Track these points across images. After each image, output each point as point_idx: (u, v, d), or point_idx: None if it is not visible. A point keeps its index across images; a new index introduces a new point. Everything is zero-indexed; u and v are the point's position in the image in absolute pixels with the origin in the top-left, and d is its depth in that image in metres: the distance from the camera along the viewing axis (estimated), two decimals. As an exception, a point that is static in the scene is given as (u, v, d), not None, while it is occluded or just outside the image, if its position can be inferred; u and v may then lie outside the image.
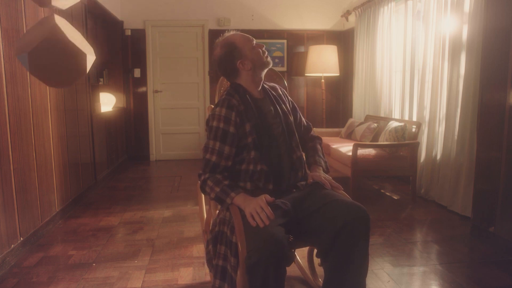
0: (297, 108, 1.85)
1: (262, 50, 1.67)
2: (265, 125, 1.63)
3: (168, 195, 3.82)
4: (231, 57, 1.64)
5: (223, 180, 1.54)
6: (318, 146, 1.82)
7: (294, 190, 1.66)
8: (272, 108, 1.70)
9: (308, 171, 1.76)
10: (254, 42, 1.68)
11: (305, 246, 1.65)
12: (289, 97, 1.84)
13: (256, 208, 1.40)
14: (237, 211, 1.47)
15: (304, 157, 1.77)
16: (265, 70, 1.70)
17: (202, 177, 1.58)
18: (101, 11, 4.51)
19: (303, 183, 1.70)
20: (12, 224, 2.32)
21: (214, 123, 1.57)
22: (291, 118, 1.74)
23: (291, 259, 1.45)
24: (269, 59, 1.69)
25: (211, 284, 1.56)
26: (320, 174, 1.67)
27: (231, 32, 1.71)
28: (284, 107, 1.74)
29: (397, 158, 3.49)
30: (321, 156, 1.79)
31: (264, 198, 1.45)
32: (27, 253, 2.42)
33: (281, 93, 1.80)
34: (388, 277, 2.09)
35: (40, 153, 2.71)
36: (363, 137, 4.09)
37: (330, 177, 1.69)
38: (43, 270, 2.21)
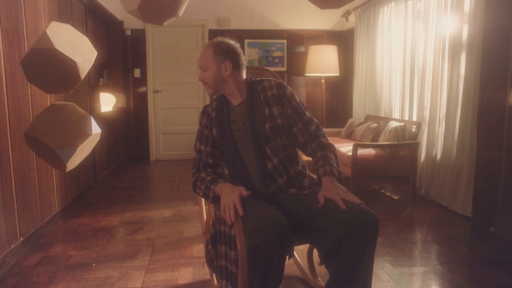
0: (303, 114, 1.68)
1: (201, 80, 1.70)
2: (225, 132, 1.64)
3: (168, 195, 3.82)
4: None
5: (206, 177, 1.65)
6: (330, 154, 1.60)
7: (285, 196, 1.62)
8: (243, 114, 1.65)
9: (315, 177, 1.70)
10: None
11: (304, 243, 1.64)
12: (292, 100, 1.69)
13: (229, 203, 1.45)
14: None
15: (287, 164, 1.64)
16: (215, 90, 1.70)
17: (193, 178, 1.71)
18: (101, 11, 4.51)
19: (294, 190, 1.62)
20: (12, 224, 2.32)
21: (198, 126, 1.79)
22: (276, 122, 1.62)
23: (292, 246, 1.45)
24: (207, 86, 1.68)
25: (217, 286, 1.57)
26: (333, 189, 1.47)
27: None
28: (269, 110, 1.63)
29: (397, 158, 3.49)
30: (334, 164, 1.58)
31: (240, 192, 1.48)
32: (27, 253, 2.42)
33: (276, 93, 1.66)
34: (388, 277, 2.09)
35: (40, 153, 2.70)
36: (363, 137, 4.09)
37: (346, 189, 1.51)
38: (43, 270, 2.21)
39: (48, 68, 1.37)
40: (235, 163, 1.64)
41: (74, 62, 1.38)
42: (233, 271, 1.45)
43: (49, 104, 2.90)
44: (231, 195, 1.47)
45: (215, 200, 1.60)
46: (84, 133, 1.43)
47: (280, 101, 1.66)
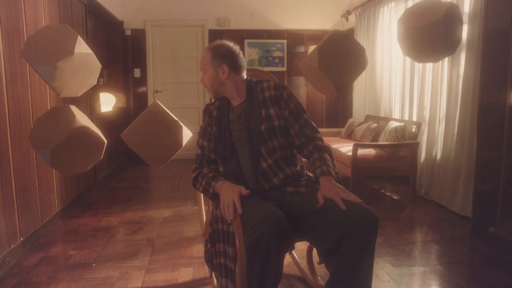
0: (300, 116, 1.68)
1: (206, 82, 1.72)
2: (223, 131, 1.68)
3: (168, 195, 3.82)
4: None
5: (208, 173, 1.68)
6: (326, 156, 1.62)
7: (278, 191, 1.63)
8: (240, 115, 1.67)
9: (313, 176, 1.69)
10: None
11: (301, 240, 1.63)
12: (290, 102, 1.68)
13: (229, 201, 1.47)
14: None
15: (282, 164, 1.65)
16: (215, 93, 1.73)
17: (194, 174, 1.73)
18: (101, 11, 4.51)
19: (290, 188, 1.63)
20: (12, 224, 2.32)
21: (200, 123, 1.83)
22: (273, 123, 1.63)
23: (292, 241, 1.46)
24: (210, 87, 1.72)
25: (217, 284, 1.58)
26: (332, 189, 1.47)
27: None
28: (266, 111, 1.65)
29: (397, 158, 3.49)
30: (330, 165, 1.58)
31: (239, 191, 1.49)
32: (27, 253, 2.42)
33: (273, 95, 1.67)
34: (388, 277, 2.09)
35: (40, 153, 2.70)
36: (363, 137, 4.09)
37: (345, 188, 1.51)
38: (43, 270, 2.21)
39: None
40: (230, 161, 1.67)
41: (100, 66, 1.44)
42: (232, 268, 1.46)
43: (49, 104, 2.90)
44: (231, 193, 1.49)
45: (214, 196, 1.62)
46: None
47: (277, 103, 1.67)
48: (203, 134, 1.78)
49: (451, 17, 1.34)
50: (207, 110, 1.79)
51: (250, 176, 1.64)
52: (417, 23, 1.37)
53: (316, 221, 1.48)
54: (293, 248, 1.53)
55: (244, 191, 1.50)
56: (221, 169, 1.73)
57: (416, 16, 1.38)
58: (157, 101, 1.61)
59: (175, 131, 1.47)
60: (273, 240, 1.32)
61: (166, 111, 1.49)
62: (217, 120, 1.73)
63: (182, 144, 1.49)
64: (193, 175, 1.73)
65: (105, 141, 1.55)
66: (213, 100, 1.83)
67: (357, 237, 1.37)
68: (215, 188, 1.60)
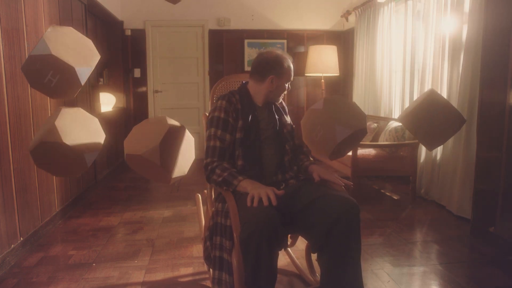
0: (294, 130, 1.97)
1: (285, 92, 1.88)
2: (253, 127, 1.74)
3: (168, 195, 3.82)
4: (272, 67, 1.78)
5: (231, 168, 1.65)
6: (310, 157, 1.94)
7: (284, 184, 1.74)
8: (269, 116, 1.83)
9: (306, 169, 1.86)
10: (289, 82, 1.87)
11: (295, 233, 1.78)
12: (288, 117, 1.99)
13: (262, 193, 1.46)
14: (231, 195, 1.57)
15: (292, 162, 1.87)
16: (272, 100, 1.86)
17: (210, 167, 1.66)
18: (101, 11, 4.51)
19: (292, 181, 1.77)
20: (12, 224, 2.32)
21: (216, 113, 1.72)
22: (289, 128, 1.90)
23: (284, 240, 1.54)
24: (280, 98, 1.88)
25: (211, 278, 1.61)
26: (327, 171, 1.74)
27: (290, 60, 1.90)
28: (284, 118, 1.91)
29: (397, 158, 3.49)
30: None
31: (273, 189, 1.51)
32: (27, 253, 2.42)
33: (284, 107, 1.97)
34: (388, 277, 2.09)
35: (40, 153, 2.70)
36: (363, 137, 4.09)
37: (336, 174, 1.75)
38: (43, 270, 2.21)
39: (48, 74, 1.39)
40: (252, 154, 1.71)
41: (73, 68, 1.40)
42: (228, 260, 1.52)
43: (49, 105, 2.90)
44: (264, 189, 1.50)
45: (235, 189, 1.59)
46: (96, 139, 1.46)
47: (286, 114, 1.96)
48: (223, 125, 1.69)
49: (429, 109, 1.42)
50: (230, 102, 1.74)
51: (272, 169, 1.74)
52: (401, 118, 1.50)
53: (306, 216, 1.56)
54: (284, 246, 1.61)
55: (277, 191, 1.51)
56: (239, 162, 1.70)
57: (408, 108, 1.52)
58: (167, 117, 1.53)
59: (190, 144, 1.47)
60: (263, 238, 1.36)
61: (182, 126, 1.45)
62: (244, 113, 1.74)
63: (194, 156, 1.48)
64: (209, 167, 1.65)
65: (84, 153, 1.49)
66: (227, 93, 1.83)
67: (341, 227, 1.46)
68: (241, 183, 1.56)
